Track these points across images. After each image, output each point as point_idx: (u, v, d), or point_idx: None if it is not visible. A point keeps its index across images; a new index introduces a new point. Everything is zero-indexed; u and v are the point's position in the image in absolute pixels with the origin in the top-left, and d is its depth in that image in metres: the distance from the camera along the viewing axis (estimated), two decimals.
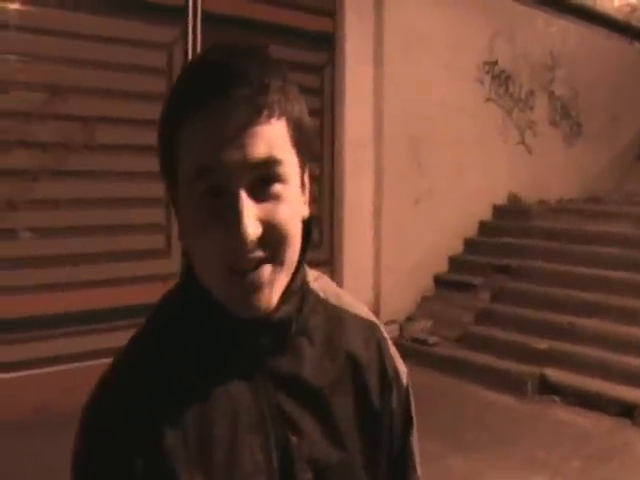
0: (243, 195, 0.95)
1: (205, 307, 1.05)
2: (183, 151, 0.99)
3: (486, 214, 9.46)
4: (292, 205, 1.00)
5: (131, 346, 1.11)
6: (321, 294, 1.17)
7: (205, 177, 0.96)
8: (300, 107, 1.04)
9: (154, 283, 6.01)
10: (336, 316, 1.17)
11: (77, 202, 5.62)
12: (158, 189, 6.09)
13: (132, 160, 5.86)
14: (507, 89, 9.85)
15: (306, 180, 1.08)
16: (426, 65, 8.26)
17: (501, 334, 7.14)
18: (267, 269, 0.99)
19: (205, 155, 0.95)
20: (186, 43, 6.22)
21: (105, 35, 5.68)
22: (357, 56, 7.61)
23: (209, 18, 6.33)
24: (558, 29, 10.67)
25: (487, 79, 9.48)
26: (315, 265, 1.19)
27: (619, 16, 12.20)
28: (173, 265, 6.14)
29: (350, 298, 1.24)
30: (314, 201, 1.09)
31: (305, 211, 1.07)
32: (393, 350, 1.23)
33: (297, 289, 1.08)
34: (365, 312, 1.24)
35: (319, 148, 7.25)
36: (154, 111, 5.27)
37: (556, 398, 6.17)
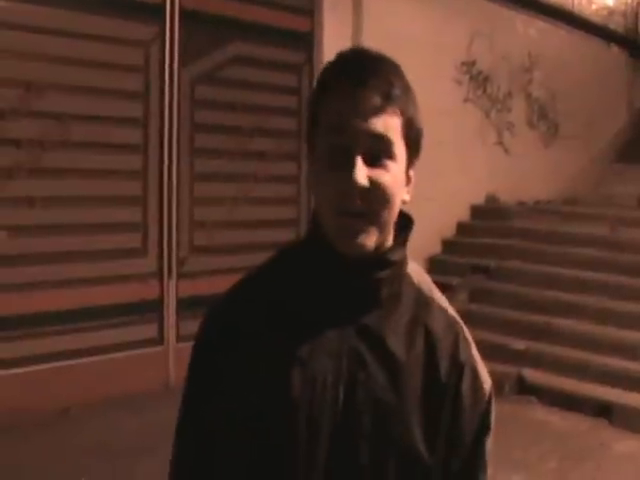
0: (359, 154, 1.19)
1: (319, 247, 1.27)
2: (324, 112, 1.24)
3: (464, 215, 9.48)
4: (396, 178, 1.24)
5: (253, 269, 1.38)
6: (415, 280, 1.36)
7: (336, 133, 1.21)
8: (415, 111, 1.27)
9: (130, 283, 5.97)
10: (425, 302, 1.33)
11: (53, 200, 5.56)
12: (134, 187, 6.06)
13: (108, 158, 5.80)
14: (485, 90, 9.88)
15: (411, 174, 1.31)
16: (404, 65, 8.07)
17: (478, 334, 7.07)
18: (365, 221, 1.21)
19: (340, 118, 1.21)
20: (164, 41, 6.17)
21: (82, 32, 5.62)
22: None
23: (187, 16, 6.29)
24: (536, 31, 10.71)
25: (465, 80, 9.50)
26: None
27: (597, 19, 12.28)
28: (149, 264, 6.10)
29: (442, 295, 1.39)
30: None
31: (406, 196, 1.32)
32: (475, 353, 1.36)
33: (393, 261, 1.30)
34: (453, 311, 1.37)
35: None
36: (130, 109, 5.27)
37: (533, 398, 6.19)
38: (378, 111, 1.20)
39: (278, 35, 7.04)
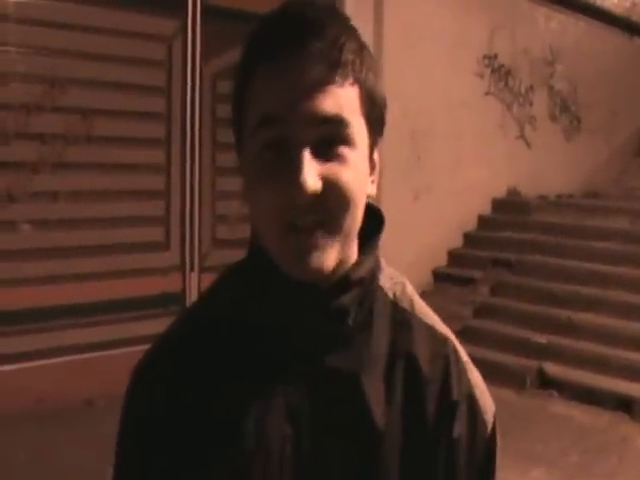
0: (306, 148, 0.91)
1: (263, 274, 1.01)
2: (253, 97, 0.97)
3: (485, 208, 9.45)
4: (358, 171, 0.95)
5: (187, 313, 1.14)
6: (390, 294, 1.07)
7: (270, 126, 0.93)
8: (375, 77, 0.99)
9: (153, 276, 6.01)
10: (405, 322, 1.06)
11: (76, 194, 5.61)
12: (157, 182, 6.10)
13: (131, 152, 5.85)
14: (507, 83, 9.83)
15: (375, 158, 1.03)
16: (426, 58, 8.24)
17: (500, 328, 7.14)
18: (321, 233, 0.93)
19: (273, 103, 0.93)
20: (186, 36, 6.20)
21: (105, 27, 5.66)
22: None
23: (209, 10, 6.31)
24: (558, 24, 10.64)
25: (487, 73, 9.46)
26: None
27: (619, 11, 12.17)
28: (172, 258, 6.14)
29: (427, 308, 1.12)
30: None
31: (372, 190, 1.02)
32: (473, 376, 1.08)
33: (357, 280, 1.01)
34: (441, 326, 1.11)
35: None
36: (153, 103, 5.31)
37: (554, 392, 6.17)
38: (326, 84, 0.92)
39: None
